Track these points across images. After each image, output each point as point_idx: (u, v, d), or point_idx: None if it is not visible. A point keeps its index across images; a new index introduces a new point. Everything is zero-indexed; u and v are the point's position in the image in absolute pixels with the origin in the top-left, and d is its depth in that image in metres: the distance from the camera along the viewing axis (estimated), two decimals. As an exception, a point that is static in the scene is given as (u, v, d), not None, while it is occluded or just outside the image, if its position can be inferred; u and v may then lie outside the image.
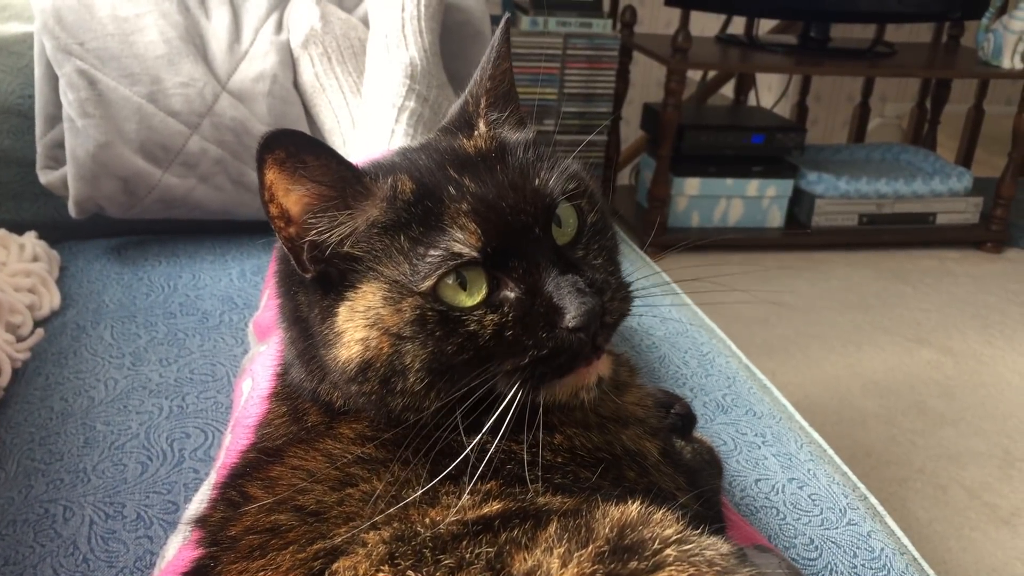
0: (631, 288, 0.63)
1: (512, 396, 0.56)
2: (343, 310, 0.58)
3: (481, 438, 0.56)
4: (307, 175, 0.56)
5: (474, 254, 0.56)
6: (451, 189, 0.58)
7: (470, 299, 0.57)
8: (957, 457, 2.00)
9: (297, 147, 0.55)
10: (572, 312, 0.56)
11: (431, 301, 0.56)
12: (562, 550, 0.49)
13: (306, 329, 0.62)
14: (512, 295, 0.57)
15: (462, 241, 0.56)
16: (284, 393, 0.67)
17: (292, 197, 0.57)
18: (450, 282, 0.56)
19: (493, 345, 0.57)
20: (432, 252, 0.56)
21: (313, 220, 0.57)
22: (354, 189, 0.57)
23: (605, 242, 0.63)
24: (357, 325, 0.58)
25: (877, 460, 1.98)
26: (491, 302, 0.57)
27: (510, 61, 0.66)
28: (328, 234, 0.57)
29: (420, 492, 0.55)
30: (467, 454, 0.56)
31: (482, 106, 0.65)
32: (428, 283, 0.56)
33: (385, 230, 0.58)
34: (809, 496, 0.97)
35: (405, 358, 0.57)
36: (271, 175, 0.55)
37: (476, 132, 0.64)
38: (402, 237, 0.57)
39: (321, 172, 0.56)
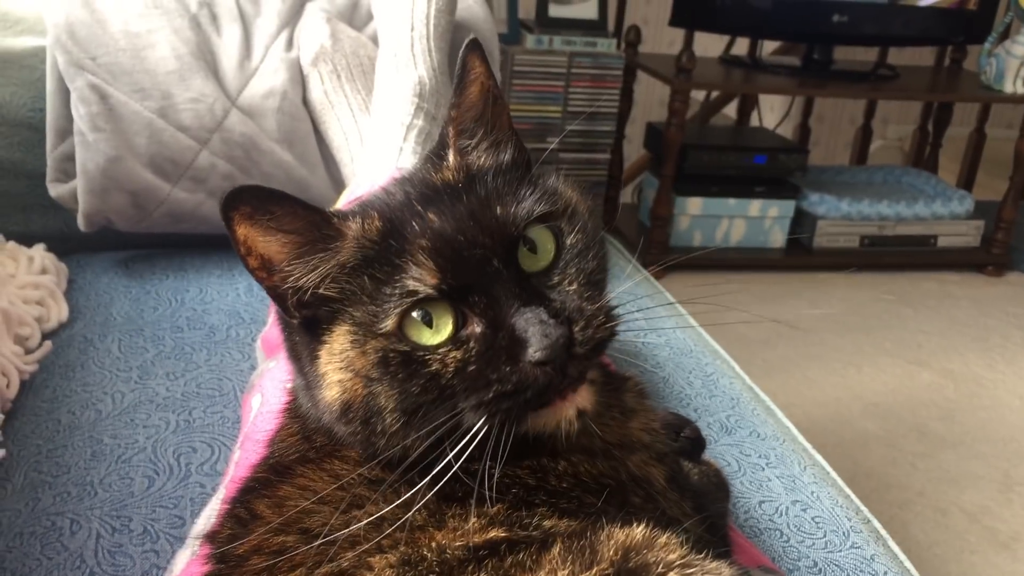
0: (614, 312, 0.60)
1: (479, 430, 0.56)
2: (323, 352, 0.59)
3: (484, 464, 0.55)
4: (276, 225, 0.56)
5: (430, 291, 0.55)
6: (414, 225, 0.58)
7: (436, 336, 0.56)
8: (957, 480, 2.01)
9: (260, 199, 0.55)
10: (535, 345, 0.54)
11: (395, 342, 0.56)
12: (566, 572, 0.49)
13: (301, 368, 0.63)
14: (476, 330, 0.56)
15: (418, 278, 0.56)
16: (296, 411, 0.67)
17: (270, 247, 0.57)
18: (416, 318, 0.56)
19: (457, 383, 0.56)
20: (392, 291, 0.56)
21: (289, 267, 0.57)
22: (324, 232, 0.57)
23: (585, 265, 0.61)
24: (334, 367, 0.58)
25: (878, 482, 1.98)
26: (457, 339, 0.56)
27: (489, 81, 0.63)
28: (306, 278, 0.58)
29: (414, 509, 0.55)
30: (469, 479, 0.55)
31: (451, 135, 0.63)
32: (389, 323, 0.56)
33: (353, 271, 0.57)
34: (812, 519, 0.97)
35: (379, 399, 0.57)
36: (242, 230, 0.56)
37: (445, 163, 0.63)
38: (366, 278, 0.57)
39: (290, 219, 0.56)
